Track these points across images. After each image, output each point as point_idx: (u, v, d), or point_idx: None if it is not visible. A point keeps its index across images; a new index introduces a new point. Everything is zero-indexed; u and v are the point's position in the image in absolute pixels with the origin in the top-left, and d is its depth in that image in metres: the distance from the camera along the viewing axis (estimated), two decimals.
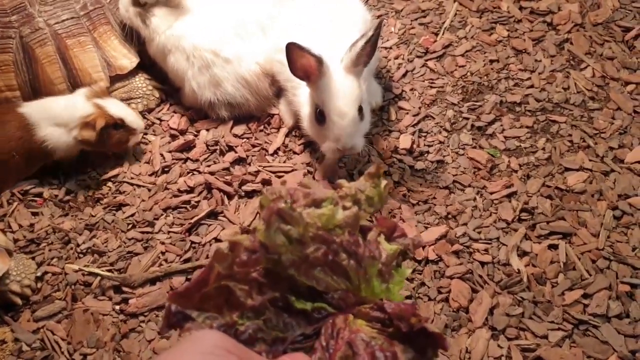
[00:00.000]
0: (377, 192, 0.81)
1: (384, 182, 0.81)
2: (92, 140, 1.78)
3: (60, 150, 1.84)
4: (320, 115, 1.56)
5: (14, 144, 1.80)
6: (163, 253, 1.68)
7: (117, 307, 1.56)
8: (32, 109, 1.84)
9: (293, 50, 1.47)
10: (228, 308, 0.69)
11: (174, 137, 1.99)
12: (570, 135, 1.88)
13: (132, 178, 1.89)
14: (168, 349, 0.82)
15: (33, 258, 1.67)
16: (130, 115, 1.84)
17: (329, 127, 1.56)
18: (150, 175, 1.90)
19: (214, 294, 0.69)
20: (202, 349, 0.59)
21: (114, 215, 1.80)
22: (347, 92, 1.52)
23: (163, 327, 0.67)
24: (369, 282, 0.74)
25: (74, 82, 2.01)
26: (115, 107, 1.83)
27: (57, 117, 1.80)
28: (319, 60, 1.48)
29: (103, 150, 1.92)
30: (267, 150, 1.93)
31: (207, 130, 2.02)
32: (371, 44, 1.50)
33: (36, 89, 1.98)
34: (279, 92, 2.02)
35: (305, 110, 1.71)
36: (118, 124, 1.82)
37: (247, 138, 1.99)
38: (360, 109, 1.54)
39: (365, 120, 1.60)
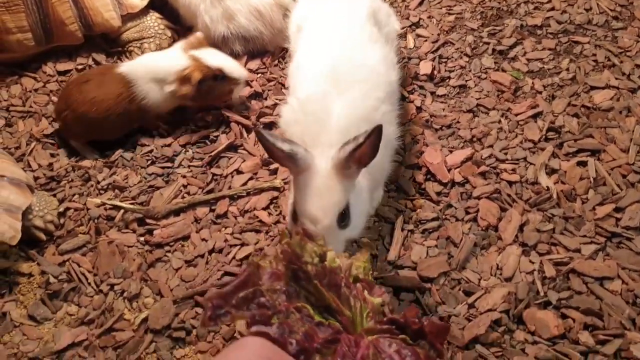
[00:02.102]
0: (365, 266, 0.96)
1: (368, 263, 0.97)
2: (190, 95, 1.68)
3: (158, 107, 1.76)
4: (294, 213, 1.25)
5: (112, 102, 1.72)
6: (185, 186, 1.65)
7: (142, 239, 1.54)
8: (131, 67, 1.76)
9: (263, 139, 1.16)
10: (259, 307, 0.79)
11: None
12: (594, 55, 1.83)
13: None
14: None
15: (54, 195, 1.65)
16: (230, 65, 1.70)
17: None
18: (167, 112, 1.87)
19: (249, 297, 0.79)
20: (246, 355, 0.63)
21: (133, 152, 1.77)
22: (323, 195, 1.19)
23: (204, 321, 0.76)
24: (362, 320, 0.85)
25: (85, 22, 1.97)
26: (213, 58, 1.68)
27: (155, 73, 1.71)
28: (291, 158, 1.16)
29: (206, 104, 1.81)
30: (283, 85, 1.90)
31: None
32: (368, 146, 1.14)
33: (47, 30, 1.95)
34: None
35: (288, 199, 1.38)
36: (217, 75, 1.68)
37: (262, 73, 1.95)
38: (342, 215, 1.20)
39: (351, 226, 1.23)
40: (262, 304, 0.80)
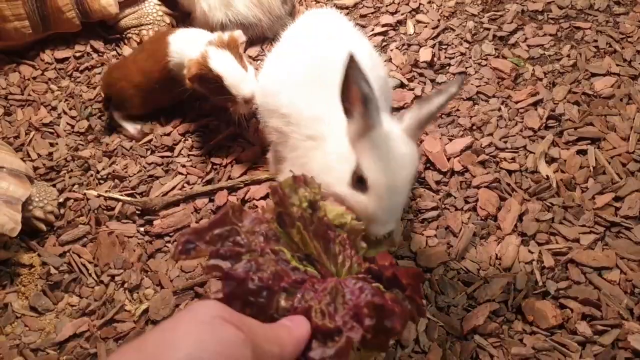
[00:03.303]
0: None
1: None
2: (190, 87, 1.59)
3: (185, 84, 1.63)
4: (359, 182, 1.00)
5: (157, 74, 1.72)
6: (184, 175, 1.65)
7: (142, 229, 1.55)
8: (175, 37, 1.71)
9: (354, 69, 0.95)
10: (234, 245, 0.78)
11: None
12: (595, 41, 1.82)
13: None
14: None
15: (54, 185, 1.65)
16: (233, 78, 1.51)
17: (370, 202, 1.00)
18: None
19: (224, 234, 0.78)
20: (200, 318, 0.60)
21: (132, 142, 1.77)
22: (405, 165, 0.99)
23: (174, 254, 0.76)
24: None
25: (82, 9, 1.96)
26: (219, 63, 1.51)
27: (182, 51, 1.66)
28: (366, 104, 0.97)
29: (215, 101, 1.69)
30: None
31: None
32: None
33: (45, 17, 1.93)
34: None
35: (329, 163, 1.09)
36: (217, 80, 1.52)
37: (262, 60, 1.94)
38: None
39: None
40: (236, 242, 0.78)
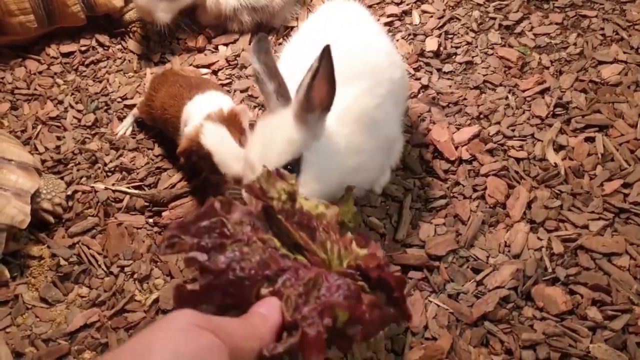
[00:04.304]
0: (350, 210, 1.01)
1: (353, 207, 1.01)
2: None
3: None
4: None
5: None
6: None
7: (151, 220, 1.55)
8: (190, 105, 1.55)
9: (262, 48, 1.16)
10: (220, 237, 0.76)
11: (191, 53, 1.95)
12: (602, 29, 1.82)
13: None
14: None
15: (62, 178, 1.66)
16: (221, 155, 1.38)
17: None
18: None
19: (211, 226, 0.77)
20: (175, 326, 0.60)
21: (140, 134, 1.77)
22: (270, 142, 1.12)
23: (160, 248, 0.77)
24: (341, 265, 0.84)
25: (87, 3, 1.96)
26: (211, 139, 1.39)
27: (187, 120, 1.52)
28: (281, 91, 1.15)
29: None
30: None
31: (226, 45, 1.98)
32: (323, 78, 1.05)
33: (49, 11, 1.94)
34: None
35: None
36: (208, 157, 1.40)
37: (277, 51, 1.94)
38: (289, 170, 1.09)
39: (304, 184, 1.12)
40: (223, 233, 0.77)
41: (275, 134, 1.12)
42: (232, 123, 1.41)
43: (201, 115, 1.43)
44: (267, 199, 0.85)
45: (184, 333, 0.59)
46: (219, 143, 1.38)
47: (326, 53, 1.02)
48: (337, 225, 0.92)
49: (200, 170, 1.56)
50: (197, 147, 1.39)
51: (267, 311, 0.72)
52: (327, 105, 1.11)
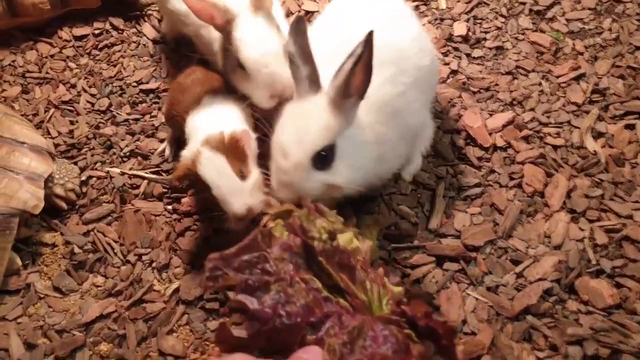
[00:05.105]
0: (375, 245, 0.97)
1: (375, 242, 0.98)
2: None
3: None
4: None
5: None
6: None
7: (170, 207, 1.47)
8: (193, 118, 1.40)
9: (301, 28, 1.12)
10: (262, 273, 0.75)
11: None
12: (638, 14, 1.75)
13: (167, 89, 1.78)
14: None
15: (75, 163, 1.58)
16: (219, 190, 1.20)
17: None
18: None
19: (253, 261, 0.75)
20: None
21: (155, 118, 1.70)
22: (304, 127, 1.09)
23: (202, 281, 0.77)
24: (381, 306, 0.80)
25: None
26: (209, 170, 1.21)
27: (189, 135, 1.39)
28: (312, 76, 1.13)
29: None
30: None
31: None
32: (363, 65, 1.04)
33: None
34: None
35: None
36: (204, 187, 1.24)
37: None
38: (322, 157, 1.09)
39: (337, 174, 1.11)
40: (265, 270, 0.76)
41: (310, 119, 1.09)
42: (233, 150, 1.23)
43: (200, 138, 1.27)
44: (308, 238, 0.82)
45: None
46: (217, 176, 1.21)
47: (369, 39, 1.01)
48: (370, 261, 0.89)
49: None
50: (194, 176, 1.24)
51: (308, 356, 0.70)
52: (362, 93, 1.08)
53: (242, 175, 1.22)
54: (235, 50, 1.30)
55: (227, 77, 1.40)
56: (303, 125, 1.09)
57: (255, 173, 1.23)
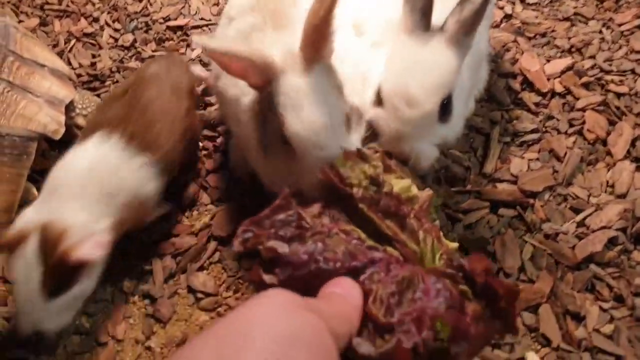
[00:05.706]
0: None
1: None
2: None
3: None
4: (379, 97, 0.97)
5: None
6: None
7: (201, 144, 1.36)
8: None
9: None
10: (298, 229, 0.67)
11: None
12: None
13: (196, 26, 1.67)
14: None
15: (98, 95, 1.48)
16: None
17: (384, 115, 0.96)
18: (216, 15, 1.68)
19: (287, 220, 0.68)
20: (274, 303, 0.54)
21: (184, 56, 1.59)
22: (431, 70, 0.94)
23: (234, 245, 0.67)
24: (434, 259, 0.70)
25: None
26: None
27: None
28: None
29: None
30: None
31: None
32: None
33: None
34: None
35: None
36: None
37: None
38: (446, 104, 0.94)
39: (450, 125, 0.97)
40: (301, 226, 0.67)
41: (434, 61, 0.93)
42: None
43: None
44: (345, 185, 0.73)
45: (285, 312, 0.52)
46: None
47: None
48: (429, 212, 0.78)
49: None
50: None
51: (344, 291, 0.61)
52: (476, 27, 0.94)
53: None
54: (277, 121, 0.89)
55: (257, 153, 0.99)
56: (429, 67, 0.92)
57: None
